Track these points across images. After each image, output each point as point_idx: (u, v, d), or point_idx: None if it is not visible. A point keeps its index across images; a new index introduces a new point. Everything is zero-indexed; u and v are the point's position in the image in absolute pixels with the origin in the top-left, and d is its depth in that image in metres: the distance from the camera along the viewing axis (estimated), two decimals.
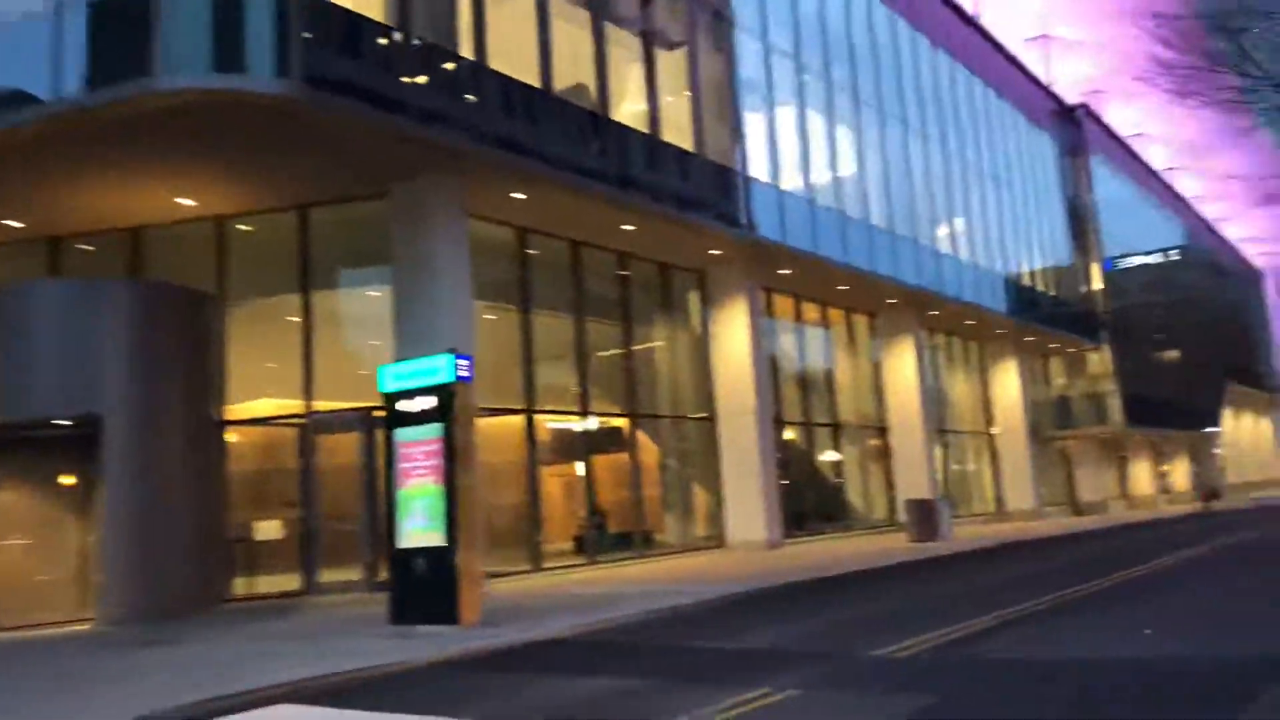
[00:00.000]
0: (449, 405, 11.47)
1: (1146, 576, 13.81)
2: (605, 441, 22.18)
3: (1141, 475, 48.35)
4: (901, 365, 30.36)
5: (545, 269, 20.49)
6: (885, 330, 30.67)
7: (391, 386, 12.09)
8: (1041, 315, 36.54)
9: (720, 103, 22.50)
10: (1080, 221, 41.57)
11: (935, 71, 32.71)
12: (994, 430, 36.70)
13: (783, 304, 27.60)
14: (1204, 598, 11.78)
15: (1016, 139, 38.15)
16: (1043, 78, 41.16)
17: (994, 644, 8.90)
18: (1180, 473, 54.68)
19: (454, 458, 11.35)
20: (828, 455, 29.23)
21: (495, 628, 10.86)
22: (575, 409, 20.70)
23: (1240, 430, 71.83)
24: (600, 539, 20.91)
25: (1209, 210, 67.04)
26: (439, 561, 11.30)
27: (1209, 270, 62.82)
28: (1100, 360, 41.88)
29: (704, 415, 23.75)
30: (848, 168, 27.36)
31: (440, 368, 11.61)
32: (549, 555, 19.20)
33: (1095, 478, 42.42)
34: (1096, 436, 41.76)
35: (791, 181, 24.57)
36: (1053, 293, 38.79)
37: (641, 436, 22.68)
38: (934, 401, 32.84)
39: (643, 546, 21.52)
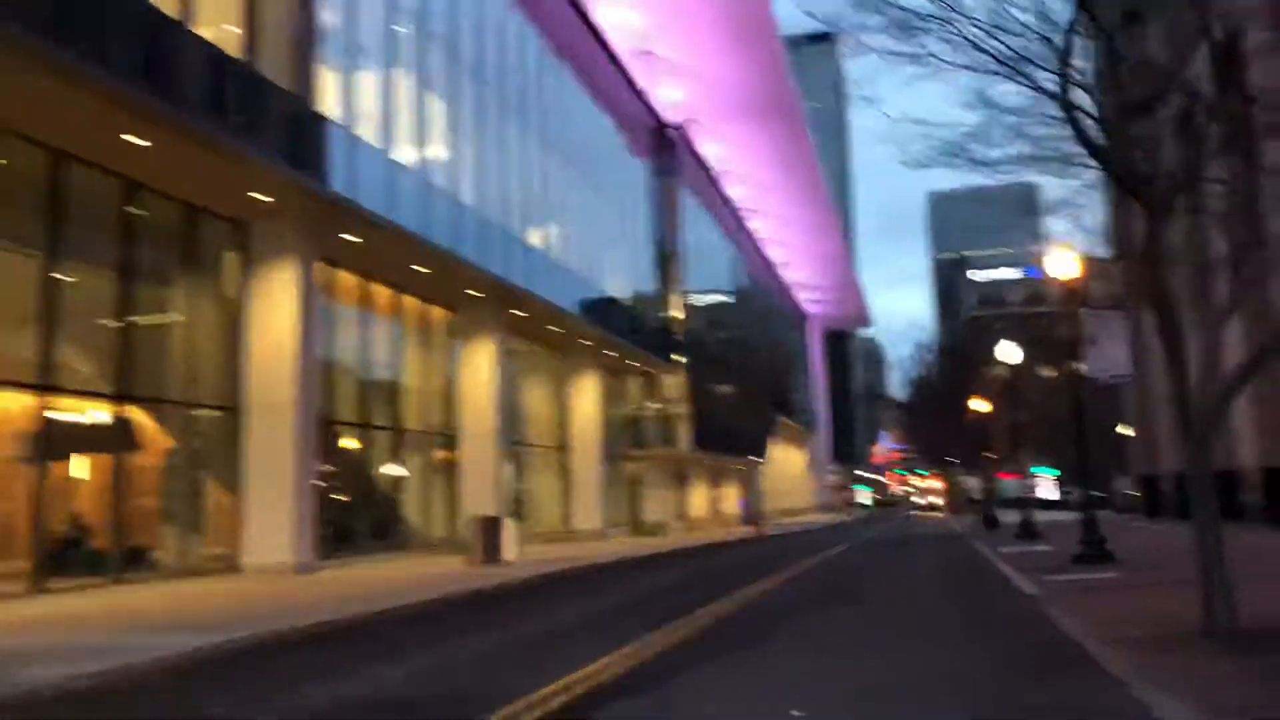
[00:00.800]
0: None
1: (744, 613, 11.56)
2: (90, 433, 16.73)
3: (699, 499, 49.62)
4: (479, 369, 27.30)
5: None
6: (465, 329, 27.47)
7: None
8: (624, 331, 35.50)
9: (290, 16, 18.06)
10: (665, 244, 41.53)
11: (542, 63, 30.41)
12: (568, 447, 34.91)
13: (347, 283, 23.40)
14: (830, 645, 9.47)
15: (613, 150, 37.05)
16: (642, 95, 40.70)
17: None
18: (731, 498, 57.34)
19: None
20: (387, 465, 25.35)
21: None
22: (38, 383, 15.09)
23: (781, 460, 78.15)
24: (67, 557, 15.50)
25: (773, 253, 72.40)
26: None
27: (768, 310, 67.43)
28: (674, 385, 42.00)
29: (227, 406, 18.91)
30: (438, 135, 23.93)
31: None
32: None
33: (658, 500, 42.35)
34: (664, 458, 41.74)
35: (370, 132, 20.59)
36: (636, 310, 38.09)
37: (142, 427, 17.44)
38: (510, 412, 30.24)
39: (123, 568, 16.28)
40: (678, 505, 47.69)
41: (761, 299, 65.63)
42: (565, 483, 34.84)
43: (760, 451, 59.25)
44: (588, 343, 33.61)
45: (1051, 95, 7.94)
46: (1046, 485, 68.27)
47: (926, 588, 15.52)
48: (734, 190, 56.66)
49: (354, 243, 21.04)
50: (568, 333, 32.38)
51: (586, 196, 33.73)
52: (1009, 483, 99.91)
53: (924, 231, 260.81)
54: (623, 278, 37.05)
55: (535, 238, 29.42)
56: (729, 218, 55.51)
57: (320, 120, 18.60)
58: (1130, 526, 32.49)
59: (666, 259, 41.05)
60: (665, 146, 42.18)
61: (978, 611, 11.66)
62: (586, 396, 35.22)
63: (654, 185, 41.18)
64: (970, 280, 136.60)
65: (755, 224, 64.67)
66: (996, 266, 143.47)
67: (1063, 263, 17.45)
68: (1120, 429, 56.79)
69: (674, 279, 41.40)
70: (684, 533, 43.03)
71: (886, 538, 36.34)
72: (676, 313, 41.43)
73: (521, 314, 28.52)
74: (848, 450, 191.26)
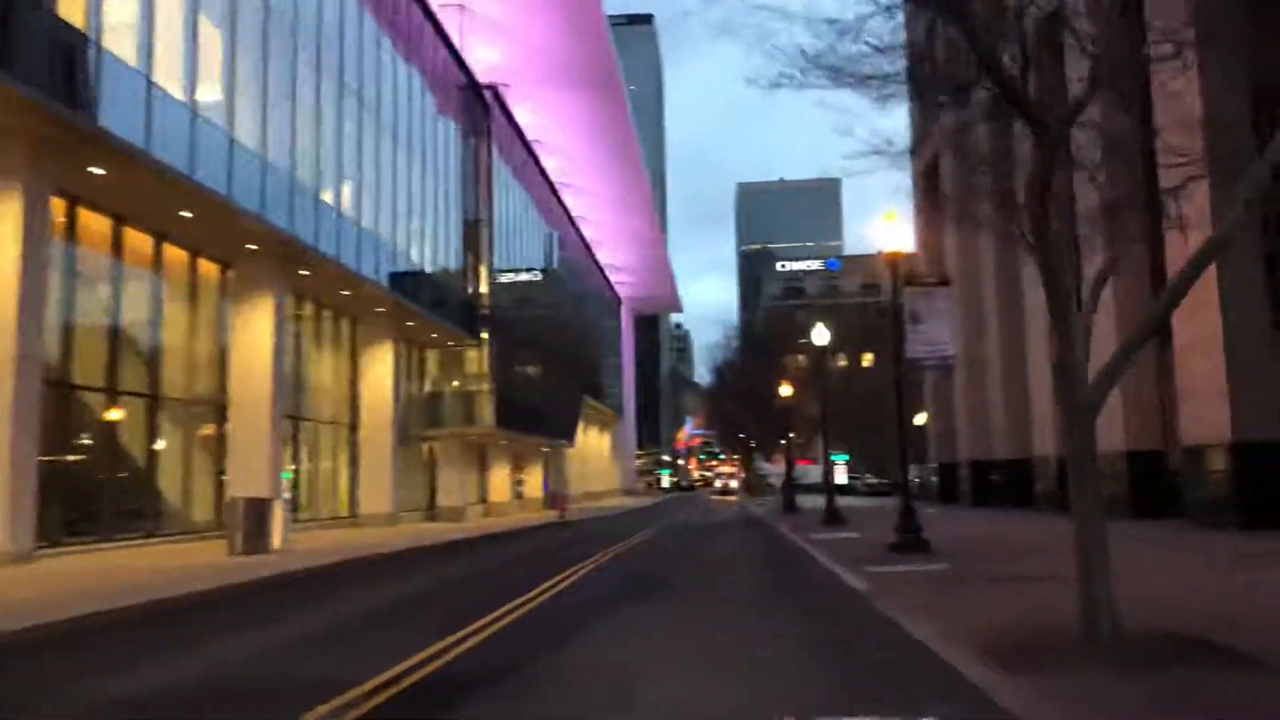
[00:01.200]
0: None
1: (536, 619, 9.75)
2: None
3: (500, 481, 47.57)
4: (255, 333, 24.25)
5: None
6: (242, 287, 24.37)
7: None
8: (426, 301, 33.03)
9: None
10: (475, 211, 39.21)
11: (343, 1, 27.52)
12: (359, 423, 32.14)
13: (94, 224, 20.07)
14: (642, 673, 7.81)
15: (422, 107, 34.40)
16: (454, 49, 38.12)
17: None
18: (535, 481, 55.59)
19: None
20: (139, 435, 22.09)
21: None
22: None
23: (587, 443, 77.06)
24: None
25: (587, 232, 70.96)
26: None
27: (581, 290, 66.01)
28: (476, 360, 39.78)
29: None
30: (215, 67, 20.87)
31: None
32: None
33: (458, 482, 40.07)
34: (465, 437, 39.50)
35: (127, 50, 17.46)
36: (440, 280, 35.63)
37: None
38: (293, 383, 27.34)
39: None
40: (479, 488, 45.51)
41: (574, 278, 64.12)
42: (354, 463, 32.07)
43: (568, 434, 57.79)
44: (383, 309, 30.98)
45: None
46: (839, 470, 70.29)
47: (744, 582, 14.23)
48: (549, 162, 54.76)
49: (101, 176, 17.90)
50: (362, 299, 29.67)
51: (390, 154, 31.01)
52: (803, 468, 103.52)
53: (732, 222, 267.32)
54: (428, 245, 34.50)
55: (329, 193, 26.59)
56: (543, 190, 53.56)
57: (56, 21, 15.47)
58: (927, 513, 33.03)
59: (475, 228, 38.72)
60: (478, 107, 39.77)
61: (810, 615, 10.31)
62: (381, 369, 32.53)
63: (464, 149, 38.73)
64: (775, 270, 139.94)
65: (570, 199, 63.03)
66: (800, 259, 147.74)
67: (889, 233, 16.71)
68: (917, 418, 58.80)
69: (482, 249, 39.15)
70: (483, 517, 40.95)
71: (692, 522, 35.56)
72: (483, 285, 39.20)
73: (307, 273, 25.71)
74: (653, 435, 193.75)
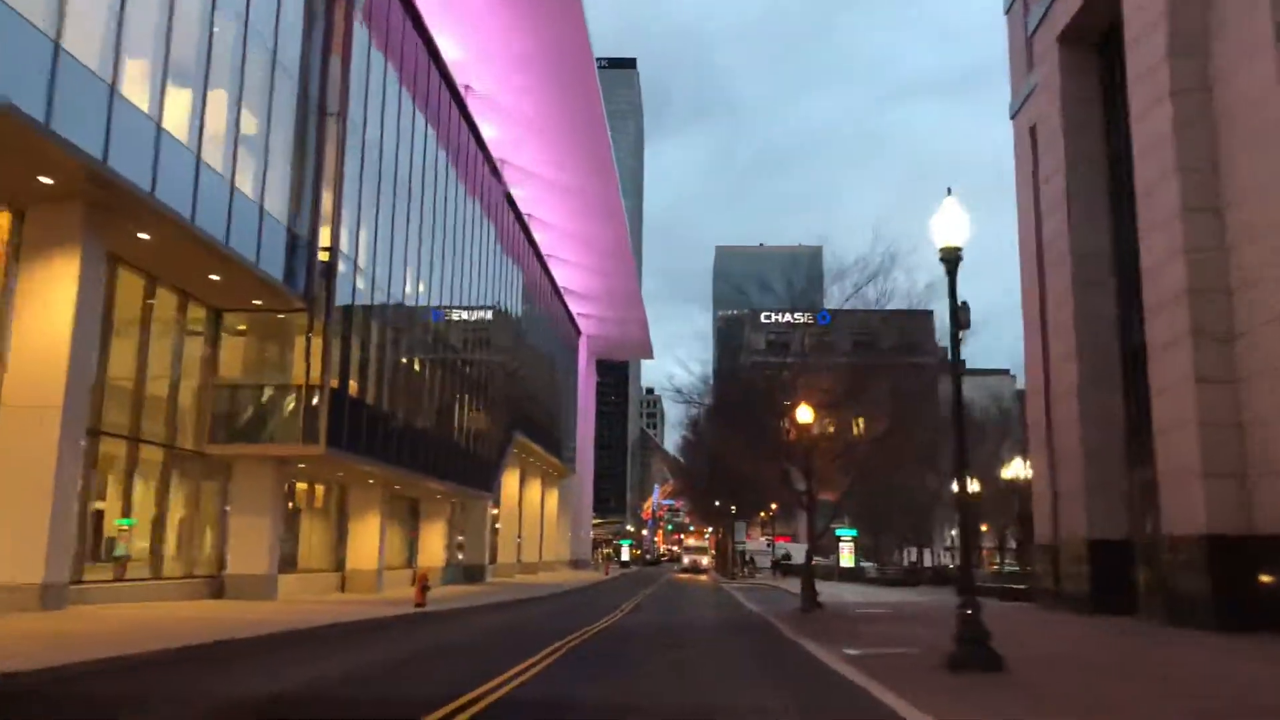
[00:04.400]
0: None
1: None
2: None
3: (364, 538, 32.17)
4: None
5: None
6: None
7: None
8: (206, 217, 18.35)
9: None
10: (319, 98, 24.65)
11: None
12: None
13: None
14: None
15: None
16: None
17: None
18: (432, 544, 40.07)
19: None
20: None
21: None
22: None
23: (528, 500, 61.66)
24: None
25: (541, 238, 56.60)
26: None
27: (520, 294, 51.01)
28: (304, 337, 24.85)
29: None
30: None
31: None
32: None
33: (256, 539, 24.93)
34: (283, 461, 24.46)
35: None
36: (244, 199, 20.86)
37: None
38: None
39: None
40: (319, 545, 30.33)
41: (507, 268, 49.17)
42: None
43: (484, 482, 42.44)
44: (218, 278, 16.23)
45: None
46: (844, 549, 55.20)
47: None
48: (489, 134, 40.56)
49: None
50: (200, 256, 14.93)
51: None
52: (783, 546, 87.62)
53: (709, 288, 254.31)
54: (231, 141, 20.04)
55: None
56: (450, 111, 38.40)
57: None
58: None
59: (317, 125, 24.03)
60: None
61: None
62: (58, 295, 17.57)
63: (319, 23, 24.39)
64: (760, 322, 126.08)
65: (520, 193, 48.69)
66: (784, 311, 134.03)
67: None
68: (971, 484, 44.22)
69: (327, 164, 24.33)
70: (306, 591, 25.65)
71: (644, 626, 20.48)
72: (325, 223, 24.28)
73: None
74: (619, 504, 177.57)
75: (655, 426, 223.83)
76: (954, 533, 73.78)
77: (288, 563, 28.19)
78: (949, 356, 12.57)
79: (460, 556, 44.29)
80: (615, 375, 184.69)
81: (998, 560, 59.54)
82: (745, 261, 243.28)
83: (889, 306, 28.57)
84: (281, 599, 24.09)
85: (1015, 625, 17.71)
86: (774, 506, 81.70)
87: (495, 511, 53.75)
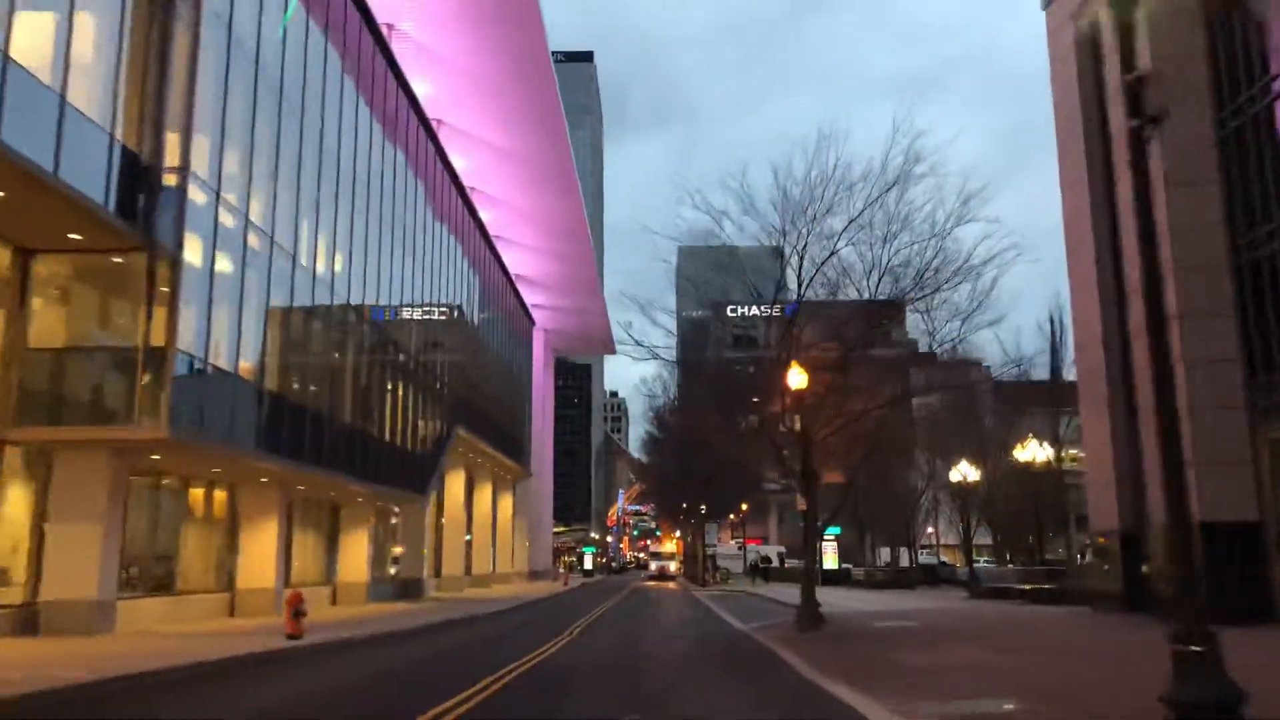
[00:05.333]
0: None
1: None
2: None
3: (258, 552, 26.35)
4: None
5: None
6: None
7: None
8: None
9: None
10: None
11: None
12: None
13: None
14: None
15: None
16: None
17: None
18: (354, 553, 34.23)
19: None
20: None
21: None
22: None
23: (478, 505, 55.89)
24: None
25: (486, 216, 50.90)
26: None
27: (454, 270, 45.26)
28: (143, 285, 19.08)
29: None
30: None
31: None
32: None
33: (82, 551, 19.17)
34: (113, 446, 18.69)
35: None
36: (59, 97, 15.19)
37: None
38: None
39: None
40: (200, 562, 24.59)
41: (431, 223, 43.53)
42: None
43: (415, 482, 36.65)
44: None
45: None
46: (827, 551, 50.00)
47: None
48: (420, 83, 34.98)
49: None
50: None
51: None
52: (754, 548, 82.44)
53: (672, 287, 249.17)
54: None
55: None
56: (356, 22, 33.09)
57: None
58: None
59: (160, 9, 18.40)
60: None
61: None
62: None
63: None
64: (726, 316, 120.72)
65: (461, 162, 43.06)
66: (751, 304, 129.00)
67: None
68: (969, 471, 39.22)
69: (175, 57, 18.70)
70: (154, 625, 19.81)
71: (589, 663, 14.97)
72: (173, 133, 18.63)
73: None
74: (583, 512, 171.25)
75: (620, 431, 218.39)
76: (930, 530, 69.16)
77: (160, 584, 22.43)
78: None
79: (393, 570, 38.51)
80: (578, 378, 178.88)
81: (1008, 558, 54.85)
82: (710, 261, 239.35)
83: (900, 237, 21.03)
84: (127, 630, 18.35)
85: (1144, 648, 12.53)
86: (744, 508, 76.90)
87: (443, 520, 47.97)
